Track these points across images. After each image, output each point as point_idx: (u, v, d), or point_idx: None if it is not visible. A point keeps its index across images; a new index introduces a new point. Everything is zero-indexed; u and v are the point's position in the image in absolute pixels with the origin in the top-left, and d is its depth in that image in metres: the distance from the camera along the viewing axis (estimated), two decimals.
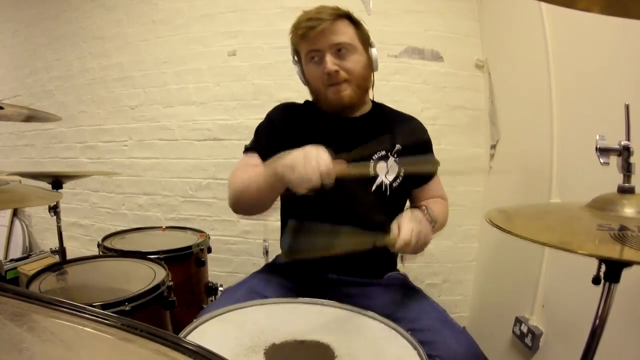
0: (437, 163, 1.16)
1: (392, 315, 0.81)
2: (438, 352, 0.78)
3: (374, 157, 1.03)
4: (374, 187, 1.03)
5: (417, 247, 0.83)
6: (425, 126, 1.16)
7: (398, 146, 1.06)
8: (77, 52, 2.39)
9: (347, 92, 1.00)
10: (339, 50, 0.97)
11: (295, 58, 1.08)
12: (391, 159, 1.04)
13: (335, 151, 1.03)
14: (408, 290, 1.05)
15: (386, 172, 1.04)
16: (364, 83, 1.04)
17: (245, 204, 0.98)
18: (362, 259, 0.95)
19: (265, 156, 1.00)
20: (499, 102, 1.81)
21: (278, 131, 1.05)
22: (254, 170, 0.95)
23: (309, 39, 0.97)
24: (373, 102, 1.16)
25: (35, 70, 2.57)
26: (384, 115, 1.13)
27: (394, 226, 0.84)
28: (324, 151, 0.76)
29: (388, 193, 1.03)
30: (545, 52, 1.37)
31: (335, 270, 1.03)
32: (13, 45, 2.68)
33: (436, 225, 0.94)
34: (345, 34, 0.98)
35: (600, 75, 1.16)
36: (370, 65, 1.04)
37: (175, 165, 2.19)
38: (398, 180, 1.05)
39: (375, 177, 1.03)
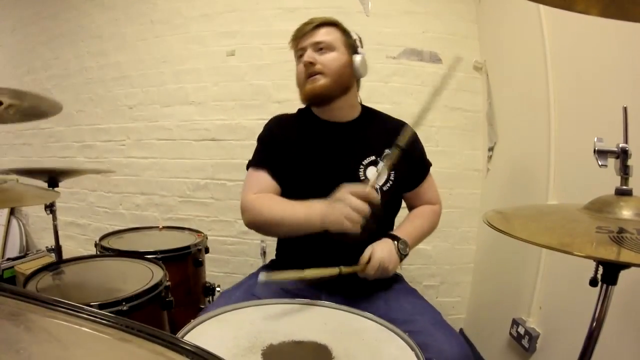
0: (427, 164, 1.21)
1: (386, 316, 0.82)
2: (430, 355, 0.79)
3: (363, 163, 1.09)
4: None
5: (375, 277, 0.97)
6: (423, 128, 1.18)
7: (387, 151, 1.08)
8: (75, 51, 2.38)
9: (320, 82, 1.07)
10: (320, 48, 1.08)
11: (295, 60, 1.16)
12: (381, 164, 1.07)
13: (327, 157, 1.06)
14: (403, 291, 1.07)
15: (377, 176, 1.06)
16: (341, 79, 1.09)
17: (271, 233, 1.11)
18: (358, 257, 0.98)
19: (274, 171, 1.10)
20: (497, 104, 1.81)
21: (278, 141, 1.13)
22: (286, 205, 1.01)
23: (297, 39, 1.12)
24: (362, 106, 1.19)
25: (33, 69, 2.56)
26: (373, 120, 1.18)
27: (366, 252, 0.98)
28: (346, 189, 0.90)
29: (379, 197, 1.05)
30: (543, 54, 1.38)
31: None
32: (11, 44, 2.67)
33: (408, 252, 1.04)
34: (327, 35, 1.09)
35: (598, 77, 1.16)
36: (352, 68, 1.10)
37: (173, 165, 2.18)
38: (389, 184, 1.10)
39: (367, 181, 1.06)
